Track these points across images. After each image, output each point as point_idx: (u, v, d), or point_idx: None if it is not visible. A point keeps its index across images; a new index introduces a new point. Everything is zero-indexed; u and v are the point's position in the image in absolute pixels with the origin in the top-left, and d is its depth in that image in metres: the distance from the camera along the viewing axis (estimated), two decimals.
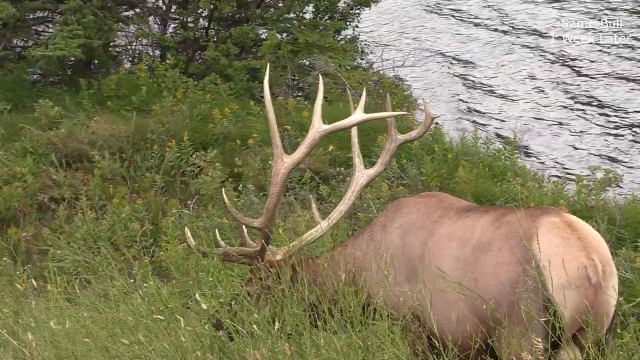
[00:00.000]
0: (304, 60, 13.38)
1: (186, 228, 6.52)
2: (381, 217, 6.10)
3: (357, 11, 14.16)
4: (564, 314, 4.93)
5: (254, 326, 5.35)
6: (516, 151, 10.85)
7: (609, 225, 8.78)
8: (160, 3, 14.26)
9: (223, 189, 6.97)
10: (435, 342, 5.32)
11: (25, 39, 13.99)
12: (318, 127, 6.14)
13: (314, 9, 13.96)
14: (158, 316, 5.65)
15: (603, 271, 4.99)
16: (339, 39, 13.96)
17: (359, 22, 14.33)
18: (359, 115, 6.20)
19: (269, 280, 5.95)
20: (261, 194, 9.75)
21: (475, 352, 5.18)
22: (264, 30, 13.79)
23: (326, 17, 13.99)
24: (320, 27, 13.66)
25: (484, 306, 5.08)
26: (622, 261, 7.98)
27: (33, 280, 6.77)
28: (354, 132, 6.47)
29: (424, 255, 5.59)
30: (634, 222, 9.05)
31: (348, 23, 14.08)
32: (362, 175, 6.41)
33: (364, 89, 6.70)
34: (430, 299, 5.35)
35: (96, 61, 13.50)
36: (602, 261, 5.03)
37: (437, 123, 12.19)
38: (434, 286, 5.38)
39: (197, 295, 6.05)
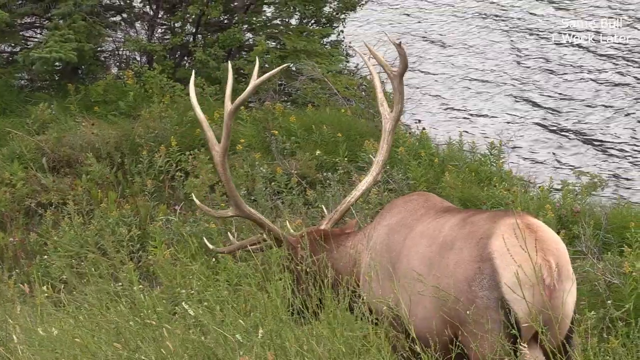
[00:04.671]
0: (291, 66, 13.39)
1: (204, 239, 6.72)
2: (378, 215, 6.20)
3: (343, 16, 14.16)
4: (517, 314, 4.98)
5: (237, 335, 5.36)
6: (502, 155, 10.90)
7: (595, 230, 8.83)
8: (147, 9, 14.25)
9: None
10: (408, 342, 5.36)
11: (13, 45, 13.97)
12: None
13: (298, 17, 13.96)
14: (150, 321, 5.65)
15: (559, 273, 5.03)
16: (324, 42, 13.96)
17: (344, 27, 14.31)
18: (254, 81, 6.76)
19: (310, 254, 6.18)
20: (252, 199, 9.76)
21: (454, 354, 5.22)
22: (250, 35, 13.81)
23: (312, 22, 14.01)
24: (305, 33, 13.67)
25: (448, 304, 5.15)
26: (608, 266, 8.01)
27: (25, 285, 6.76)
28: (377, 82, 6.83)
29: (401, 252, 5.67)
30: (619, 227, 9.09)
31: (334, 28, 14.09)
32: (387, 120, 6.69)
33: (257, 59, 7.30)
34: (397, 296, 5.41)
35: (83, 66, 13.51)
36: (559, 264, 5.06)
37: (423, 128, 12.27)
38: (406, 284, 5.46)
39: (183, 303, 6.05)
